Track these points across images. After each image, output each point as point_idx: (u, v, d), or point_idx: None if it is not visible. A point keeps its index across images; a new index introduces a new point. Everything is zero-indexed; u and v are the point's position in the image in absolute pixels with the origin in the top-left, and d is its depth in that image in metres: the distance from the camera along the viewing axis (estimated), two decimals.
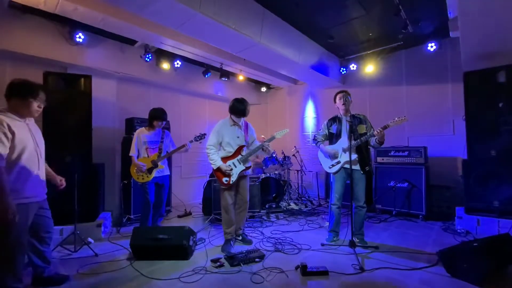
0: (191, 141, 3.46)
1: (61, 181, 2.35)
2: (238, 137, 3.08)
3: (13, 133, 1.86)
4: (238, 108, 3.01)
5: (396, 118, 2.76)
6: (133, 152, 3.38)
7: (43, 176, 2.14)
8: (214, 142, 3.04)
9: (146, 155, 3.39)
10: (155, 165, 3.36)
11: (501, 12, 2.71)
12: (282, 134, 3.09)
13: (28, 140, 1.97)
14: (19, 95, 1.97)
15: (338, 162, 3.10)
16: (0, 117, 1.85)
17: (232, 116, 3.09)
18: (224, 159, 3.03)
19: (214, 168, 3.02)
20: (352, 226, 2.90)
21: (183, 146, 3.45)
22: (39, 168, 2.07)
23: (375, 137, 2.87)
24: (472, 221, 3.42)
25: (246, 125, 3.21)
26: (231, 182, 2.98)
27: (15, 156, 1.89)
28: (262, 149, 3.05)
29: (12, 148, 1.86)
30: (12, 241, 1.88)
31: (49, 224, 2.22)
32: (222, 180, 3.00)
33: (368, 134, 2.96)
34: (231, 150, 3.06)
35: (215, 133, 3.07)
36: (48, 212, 2.22)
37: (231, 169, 2.99)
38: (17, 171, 1.90)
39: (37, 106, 2.04)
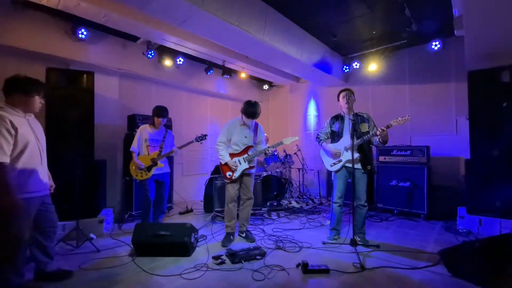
0: (180, 147, 3.53)
1: (51, 187, 2.29)
2: (246, 137, 3.20)
3: (16, 129, 1.87)
4: (249, 111, 3.12)
5: (399, 118, 2.75)
6: (134, 147, 3.38)
7: (45, 171, 2.15)
8: (223, 140, 3.20)
9: (147, 153, 3.40)
10: (154, 163, 3.37)
11: (506, 11, 2.68)
12: (290, 141, 3.22)
13: (29, 135, 1.98)
14: (24, 91, 1.98)
15: (340, 161, 3.09)
16: (2, 114, 1.85)
17: (243, 116, 3.19)
18: (231, 155, 3.17)
19: (222, 163, 3.17)
20: (354, 225, 2.90)
21: (172, 151, 3.50)
22: (42, 163, 2.08)
23: (378, 137, 2.86)
24: (474, 221, 3.41)
25: (256, 125, 3.30)
26: (233, 177, 3.11)
27: (18, 152, 1.90)
28: (265, 154, 3.21)
29: (15, 144, 1.88)
30: (14, 235, 1.89)
31: (52, 219, 2.24)
32: (225, 174, 3.16)
33: (370, 133, 2.94)
34: (238, 148, 3.19)
35: (225, 131, 3.21)
36: (51, 207, 2.23)
37: (237, 166, 3.12)
38: (20, 167, 1.91)
39: (39, 102, 2.07)
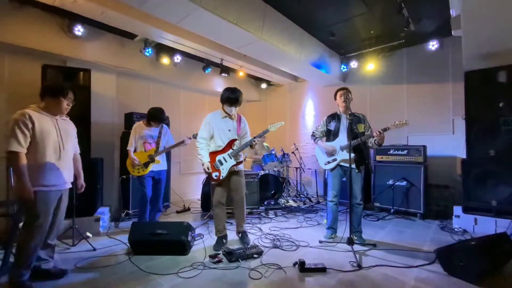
0: (190, 138, 3.45)
1: (81, 187, 2.51)
2: (229, 130, 2.94)
3: (33, 123, 1.99)
4: (230, 97, 2.87)
5: (397, 122, 2.74)
6: (130, 146, 3.36)
7: (64, 168, 2.19)
8: (204, 136, 2.93)
9: (143, 150, 3.38)
10: (151, 159, 3.35)
11: (504, 11, 2.69)
12: (276, 127, 2.92)
13: (50, 131, 2.09)
14: (51, 95, 2.15)
15: (335, 160, 3.10)
16: (25, 110, 2.01)
17: (224, 106, 2.96)
18: (214, 153, 2.90)
19: (202, 164, 2.92)
20: (351, 224, 2.91)
21: (182, 142, 3.45)
22: (59, 159, 2.14)
23: (374, 139, 2.87)
24: (469, 220, 3.44)
25: (239, 118, 3.07)
26: (221, 178, 2.86)
27: (34, 145, 2.01)
28: (250, 146, 2.91)
29: (32, 137, 2.00)
30: (36, 222, 2.00)
31: (61, 214, 2.27)
32: (212, 175, 2.89)
33: (366, 134, 2.95)
34: (221, 144, 2.91)
35: (206, 125, 2.95)
36: (64, 204, 2.27)
37: (213, 170, 2.86)
38: (36, 160, 2.01)
39: (66, 104, 2.22)
